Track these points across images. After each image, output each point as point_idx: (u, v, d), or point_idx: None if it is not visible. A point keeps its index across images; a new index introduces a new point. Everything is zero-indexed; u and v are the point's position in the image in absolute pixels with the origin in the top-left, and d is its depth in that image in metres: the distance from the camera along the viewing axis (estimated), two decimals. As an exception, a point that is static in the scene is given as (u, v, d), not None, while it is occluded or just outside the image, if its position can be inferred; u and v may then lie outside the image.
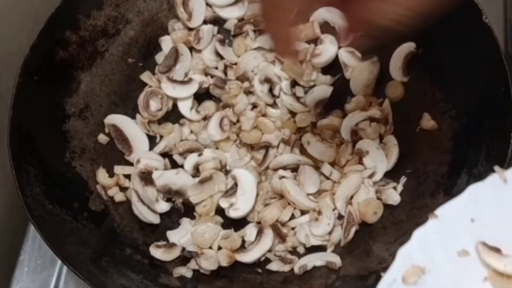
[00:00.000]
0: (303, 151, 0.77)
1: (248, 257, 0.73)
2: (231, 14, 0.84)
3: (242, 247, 0.74)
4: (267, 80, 0.80)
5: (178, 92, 0.80)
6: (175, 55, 0.82)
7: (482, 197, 0.48)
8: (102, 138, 0.78)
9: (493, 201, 0.48)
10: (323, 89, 0.81)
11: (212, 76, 0.82)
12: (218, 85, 0.81)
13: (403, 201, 0.74)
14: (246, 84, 0.80)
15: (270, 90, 0.81)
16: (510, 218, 0.48)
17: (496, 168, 0.48)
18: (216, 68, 0.82)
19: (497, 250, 0.48)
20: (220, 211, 0.76)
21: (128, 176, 0.77)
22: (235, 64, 0.82)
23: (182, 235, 0.75)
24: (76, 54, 0.77)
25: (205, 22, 0.84)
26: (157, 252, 0.73)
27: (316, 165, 0.77)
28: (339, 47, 0.82)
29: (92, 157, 0.77)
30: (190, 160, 0.78)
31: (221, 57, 0.82)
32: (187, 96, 0.80)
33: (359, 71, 0.80)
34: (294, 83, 0.81)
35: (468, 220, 0.48)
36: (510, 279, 0.48)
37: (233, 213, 0.75)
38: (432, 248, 0.48)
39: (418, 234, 0.48)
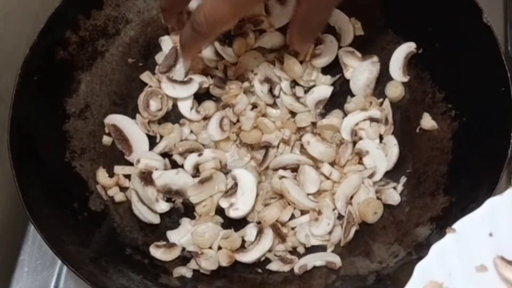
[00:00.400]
0: (303, 151, 0.77)
1: (248, 257, 0.73)
2: None
3: (242, 247, 0.74)
4: (267, 80, 0.80)
5: (178, 92, 0.80)
6: (175, 55, 0.82)
7: (500, 211, 0.48)
8: (106, 139, 0.78)
9: (511, 214, 0.47)
10: (323, 89, 0.81)
11: (212, 76, 0.81)
12: (218, 85, 0.81)
13: (403, 201, 0.74)
14: (246, 84, 0.80)
15: (270, 90, 0.81)
16: None
17: None
18: (216, 68, 0.82)
19: None
20: (220, 211, 0.76)
21: (128, 176, 0.77)
22: (235, 64, 0.82)
23: (182, 235, 0.75)
24: (76, 54, 0.77)
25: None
26: (157, 252, 0.73)
27: (316, 165, 0.77)
28: (339, 47, 0.82)
29: (92, 157, 0.77)
30: (190, 160, 0.78)
31: (221, 57, 0.82)
32: (187, 96, 0.80)
33: (359, 71, 0.80)
34: (294, 83, 0.81)
35: (486, 234, 0.48)
36: None
37: (233, 213, 0.75)
38: (450, 263, 0.47)
39: (436, 248, 0.47)
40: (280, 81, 0.80)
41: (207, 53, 0.82)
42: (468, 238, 0.47)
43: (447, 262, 0.47)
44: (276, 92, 0.80)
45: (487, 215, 0.48)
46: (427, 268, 0.47)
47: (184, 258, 0.74)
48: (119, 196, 0.76)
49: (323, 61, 0.81)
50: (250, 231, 0.74)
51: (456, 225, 0.48)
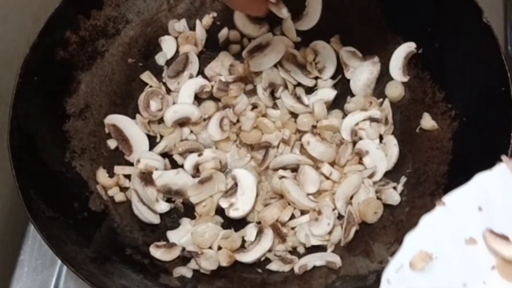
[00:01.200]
0: (303, 151, 0.77)
1: (248, 257, 0.73)
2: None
3: (242, 247, 0.74)
4: (271, 85, 0.80)
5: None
6: (184, 61, 0.82)
7: (489, 186, 0.48)
8: (111, 143, 0.78)
9: (500, 189, 0.48)
10: (327, 92, 0.81)
11: (215, 81, 0.82)
12: (222, 88, 0.81)
13: (403, 201, 0.74)
14: (250, 86, 0.80)
15: (272, 93, 0.81)
16: None
17: (504, 157, 0.49)
18: (220, 75, 0.82)
19: (504, 237, 0.48)
20: (220, 211, 0.76)
21: (128, 176, 0.77)
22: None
23: (182, 235, 0.75)
24: (76, 54, 0.77)
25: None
26: (157, 252, 0.73)
27: (316, 165, 0.77)
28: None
29: (92, 157, 0.77)
30: (190, 160, 0.78)
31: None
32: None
33: (359, 71, 0.80)
34: (295, 84, 0.82)
35: (475, 208, 0.48)
36: None
37: (233, 213, 0.75)
38: (440, 235, 0.48)
39: (425, 220, 0.48)
40: (284, 84, 0.81)
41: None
42: (457, 212, 0.48)
43: (436, 234, 0.48)
44: (277, 94, 0.81)
45: (476, 190, 0.48)
46: (416, 239, 0.48)
47: (184, 258, 0.74)
48: (119, 196, 0.76)
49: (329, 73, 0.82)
50: (250, 231, 0.74)
51: (445, 199, 0.48)
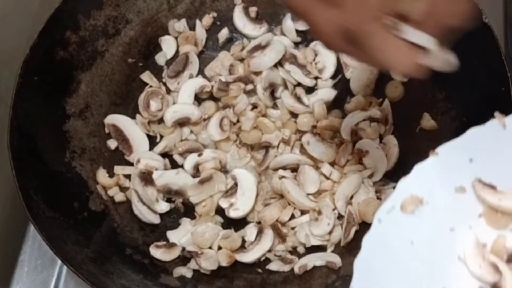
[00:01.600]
0: (303, 151, 0.77)
1: (248, 257, 0.72)
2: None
3: (242, 247, 0.74)
4: (271, 85, 0.80)
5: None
6: (184, 61, 0.82)
7: (481, 140, 0.50)
8: (111, 143, 0.78)
9: (492, 143, 0.51)
10: (326, 91, 0.81)
11: (215, 81, 0.82)
12: (222, 88, 0.81)
13: (403, 201, 0.74)
14: (250, 86, 0.80)
15: (272, 93, 0.81)
16: (506, 159, 0.51)
17: (496, 114, 0.50)
18: (220, 75, 0.82)
19: (492, 187, 0.51)
20: (220, 211, 0.76)
21: (128, 176, 0.77)
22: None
23: (182, 235, 0.75)
24: (76, 54, 0.77)
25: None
26: (157, 252, 0.73)
27: (316, 165, 0.77)
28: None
29: (92, 157, 0.77)
30: (190, 160, 0.78)
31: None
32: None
33: (359, 71, 0.80)
34: (295, 84, 0.82)
35: (466, 159, 0.51)
36: (503, 216, 0.51)
37: (233, 213, 0.75)
38: (431, 182, 0.50)
39: (418, 168, 0.50)
40: (284, 84, 0.81)
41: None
42: (449, 162, 0.50)
43: (428, 181, 0.50)
44: (277, 94, 0.81)
45: (468, 142, 0.50)
46: (408, 184, 0.50)
47: (184, 258, 0.74)
48: (119, 196, 0.76)
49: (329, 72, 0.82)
50: (250, 231, 0.74)
51: (438, 149, 0.50)
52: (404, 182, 0.50)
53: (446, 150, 0.50)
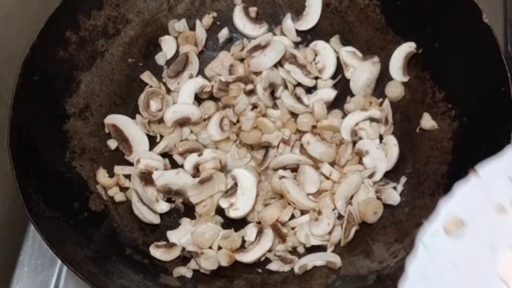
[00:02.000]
0: (303, 151, 0.77)
1: (248, 257, 0.73)
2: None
3: (242, 247, 0.74)
4: (271, 85, 0.80)
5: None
6: (184, 61, 0.82)
7: None
8: (111, 143, 0.78)
9: None
10: (327, 92, 0.81)
11: (215, 81, 0.82)
12: (222, 88, 0.81)
13: (403, 201, 0.74)
14: (250, 86, 0.80)
15: (272, 93, 0.81)
16: None
17: None
18: (220, 75, 0.82)
19: None
20: (220, 211, 0.76)
21: (128, 176, 0.77)
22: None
23: (182, 235, 0.75)
24: (76, 54, 0.77)
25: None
26: (157, 252, 0.73)
27: (316, 165, 0.77)
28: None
29: (92, 157, 0.77)
30: (190, 160, 0.78)
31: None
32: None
33: (359, 71, 0.80)
34: (295, 84, 0.82)
35: (506, 178, 0.50)
36: None
37: (233, 213, 0.75)
38: (472, 202, 0.50)
39: (459, 188, 0.50)
40: (284, 84, 0.81)
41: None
42: (489, 181, 0.50)
43: (469, 201, 0.50)
44: (277, 94, 0.81)
45: (507, 161, 0.51)
46: (451, 205, 0.50)
47: (184, 258, 0.74)
48: (119, 196, 0.76)
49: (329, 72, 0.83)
50: (250, 231, 0.74)
51: (478, 168, 0.50)
52: (446, 204, 0.50)
53: (485, 169, 0.50)
